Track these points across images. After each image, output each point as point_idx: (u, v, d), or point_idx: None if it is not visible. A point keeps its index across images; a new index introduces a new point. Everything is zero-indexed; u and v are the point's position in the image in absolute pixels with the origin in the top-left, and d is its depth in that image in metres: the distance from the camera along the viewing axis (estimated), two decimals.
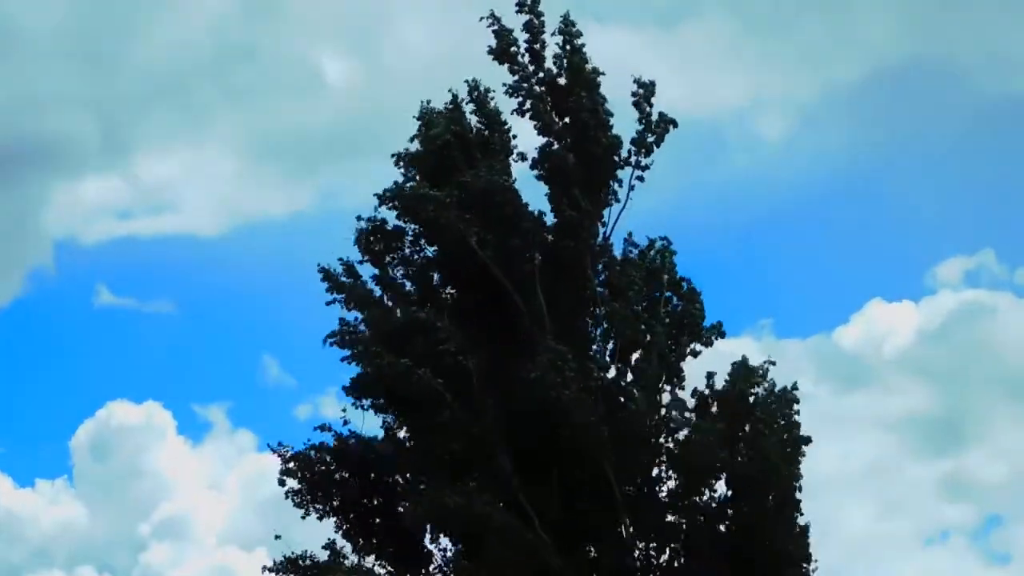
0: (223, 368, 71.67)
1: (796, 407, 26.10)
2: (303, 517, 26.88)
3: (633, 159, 26.94)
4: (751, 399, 26.04)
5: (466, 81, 27.41)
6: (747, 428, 25.98)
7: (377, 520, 26.93)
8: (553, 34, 27.06)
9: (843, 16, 65.01)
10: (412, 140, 27.00)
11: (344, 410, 26.97)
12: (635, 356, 26.51)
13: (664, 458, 26.17)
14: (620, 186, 27.05)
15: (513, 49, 27.00)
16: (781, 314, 65.63)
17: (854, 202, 66.43)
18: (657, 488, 26.26)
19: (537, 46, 27.08)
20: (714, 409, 26.20)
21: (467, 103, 27.39)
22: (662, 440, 26.19)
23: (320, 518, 26.93)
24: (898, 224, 65.68)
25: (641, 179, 27.02)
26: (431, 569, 26.82)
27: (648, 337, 26.33)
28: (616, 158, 26.96)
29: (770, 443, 25.73)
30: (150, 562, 59.51)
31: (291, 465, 26.88)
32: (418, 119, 27.10)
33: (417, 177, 26.83)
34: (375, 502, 26.96)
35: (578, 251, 26.50)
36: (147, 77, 66.59)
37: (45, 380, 69.70)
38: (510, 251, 26.26)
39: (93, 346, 69.36)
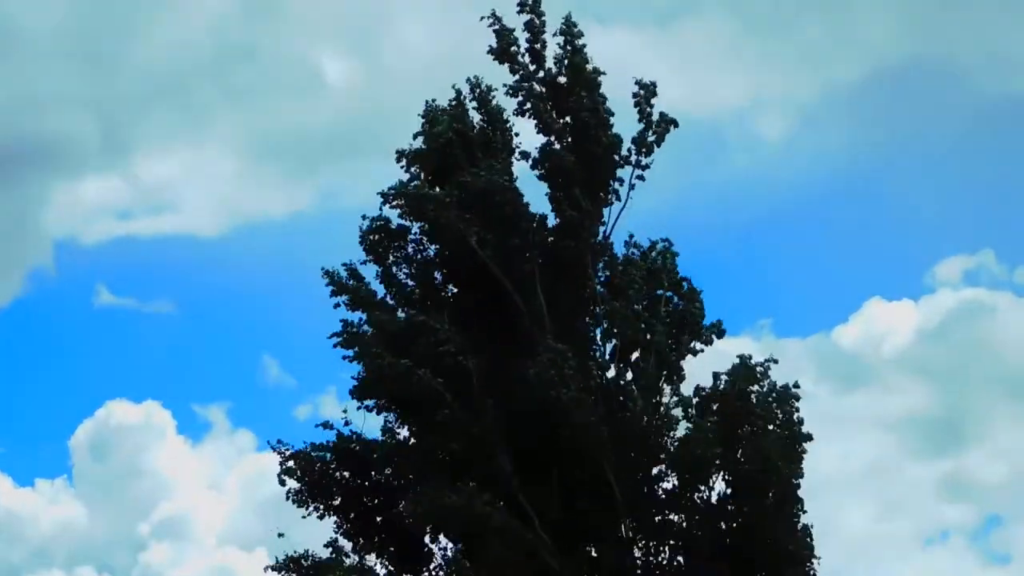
0: (223, 368, 71.82)
1: (796, 404, 26.08)
2: (304, 516, 26.91)
3: (633, 158, 26.97)
4: (752, 397, 25.99)
5: (468, 79, 27.44)
6: (746, 426, 25.92)
7: (378, 519, 26.92)
8: (554, 35, 27.11)
9: (843, 16, 65.17)
10: (415, 137, 27.01)
11: (345, 411, 27.05)
12: (635, 355, 26.51)
13: (663, 457, 26.13)
14: (620, 185, 27.10)
15: (513, 49, 27.01)
16: (781, 313, 65.79)
17: (854, 202, 66.57)
18: (657, 487, 26.24)
19: (538, 46, 27.09)
20: (714, 407, 26.15)
21: (470, 100, 27.39)
22: (662, 439, 26.13)
23: (320, 517, 26.94)
24: (898, 223, 65.82)
25: (642, 178, 27.07)
26: (432, 568, 26.83)
27: (648, 336, 26.32)
28: (616, 157, 26.97)
29: (769, 441, 25.71)
30: (150, 562, 59.57)
31: (291, 464, 26.86)
32: (422, 116, 27.10)
33: (421, 175, 26.83)
34: (375, 501, 26.95)
35: (578, 250, 26.50)
36: (147, 77, 66.72)
37: (45, 380, 69.83)
38: (510, 251, 26.26)
39: (93, 346, 69.50)
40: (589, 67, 26.98)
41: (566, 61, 27.03)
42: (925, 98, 63.26)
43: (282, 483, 26.81)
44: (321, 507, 26.85)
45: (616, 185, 27.03)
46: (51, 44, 65.18)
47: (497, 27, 27.08)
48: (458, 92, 27.34)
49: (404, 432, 26.88)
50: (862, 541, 56.92)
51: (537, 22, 27.11)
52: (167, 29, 66.02)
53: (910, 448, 64.05)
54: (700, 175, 57.44)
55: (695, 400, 26.20)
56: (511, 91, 27.02)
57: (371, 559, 26.84)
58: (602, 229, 27.02)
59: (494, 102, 27.37)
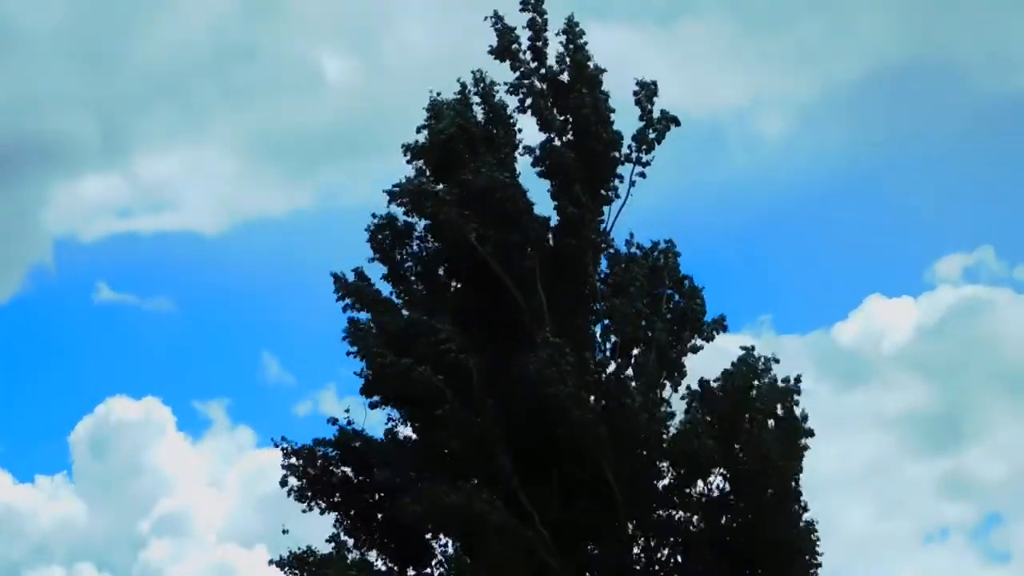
0: (223, 365, 71.91)
1: (797, 399, 26.07)
2: (304, 512, 26.87)
3: (634, 156, 27.00)
4: (752, 392, 25.96)
5: (473, 72, 27.45)
6: (746, 421, 25.89)
7: (379, 516, 26.91)
8: (557, 34, 27.15)
9: (843, 15, 65.17)
10: (419, 131, 26.99)
11: (347, 411, 27.05)
12: (635, 352, 26.50)
13: (663, 453, 26.12)
14: (621, 183, 27.15)
15: (515, 47, 27.04)
16: (780, 310, 65.85)
17: (854, 199, 66.59)
18: (656, 484, 26.22)
19: (540, 44, 27.12)
20: (714, 401, 26.11)
21: (474, 94, 27.38)
22: (661, 436, 26.11)
23: (322, 513, 26.93)
24: (897, 221, 65.85)
25: (643, 175, 27.10)
26: (432, 565, 26.82)
27: (649, 333, 26.31)
28: (617, 154, 27.00)
29: (769, 435, 25.69)
30: (149, 559, 59.56)
31: (293, 460, 26.83)
32: (426, 109, 27.09)
33: (425, 170, 26.82)
34: (376, 498, 26.94)
35: (579, 247, 26.51)
36: (147, 76, 66.73)
37: (45, 376, 69.87)
38: (510, 247, 26.27)
39: (93, 343, 69.49)
40: (590, 65, 27.00)
41: (567, 59, 27.06)
42: (925, 97, 63.36)
43: (283, 483, 26.79)
44: (323, 503, 26.86)
45: (616, 182, 27.10)
46: (51, 44, 65.27)
47: (499, 26, 27.12)
48: (463, 86, 27.34)
49: (408, 431, 26.89)
50: (862, 539, 56.94)
51: (539, 20, 27.15)
52: (167, 29, 66.11)
53: (910, 446, 64.11)
54: (700, 174, 57.46)
55: (696, 393, 26.18)
56: (512, 88, 27.07)
57: (372, 555, 26.89)
58: (603, 226, 27.04)
59: (497, 97, 27.36)
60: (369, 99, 64.34)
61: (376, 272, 27.22)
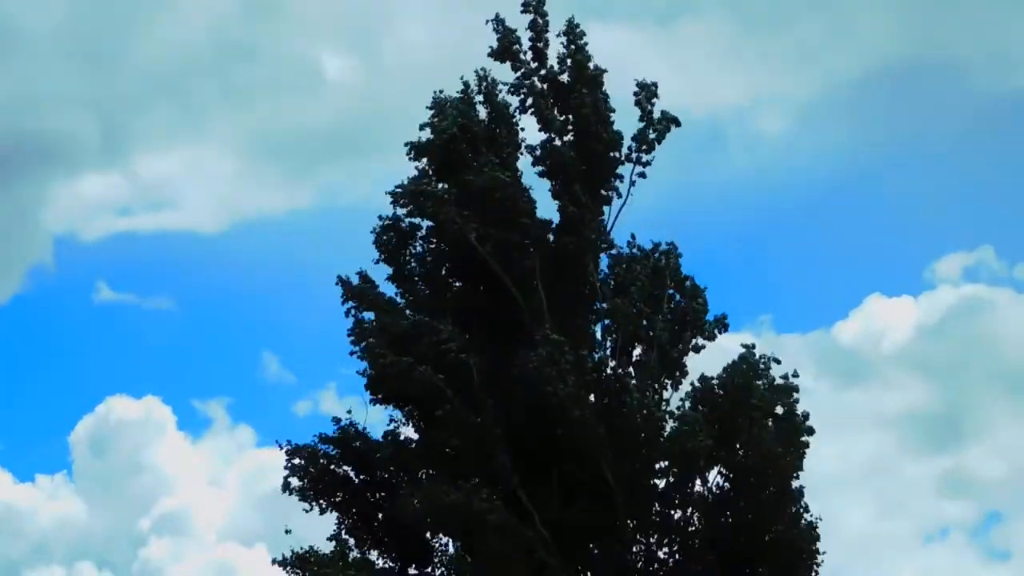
0: (223, 364, 71.93)
1: (796, 396, 26.07)
2: (306, 511, 26.89)
3: (634, 156, 27.06)
4: (751, 390, 25.96)
5: (476, 71, 27.46)
6: (746, 419, 25.89)
7: (380, 515, 26.93)
8: (558, 35, 27.20)
9: (843, 15, 65.21)
10: (423, 128, 27.01)
11: (349, 411, 27.08)
12: (636, 352, 26.53)
13: (662, 452, 26.12)
14: (621, 182, 27.21)
15: (516, 48, 27.09)
16: (781, 310, 65.87)
17: (854, 199, 66.65)
18: (655, 483, 26.24)
19: (540, 45, 27.18)
20: (712, 399, 26.12)
21: (476, 93, 27.41)
22: (660, 435, 26.12)
23: (323, 513, 26.95)
24: (897, 220, 65.86)
25: (643, 175, 27.16)
26: (434, 564, 26.83)
27: (651, 333, 26.33)
28: (617, 154, 27.05)
29: (769, 435, 25.70)
30: (149, 557, 59.55)
31: (297, 461, 26.82)
32: (430, 107, 27.11)
33: (429, 170, 26.84)
34: (377, 497, 26.96)
35: (579, 247, 26.54)
36: (147, 76, 66.77)
37: (45, 376, 69.93)
38: (510, 247, 26.29)
39: (93, 342, 69.56)
40: (591, 66, 27.05)
41: (568, 60, 27.11)
42: (925, 96, 63.39)
43: (286, 486, 26.79)
44: (324, 503, 26.88)
45: (617, 182, 27.14)
46: (51, 44, 65.30)
47: (500, 29, 27.17)
48: (465, 84, 27.37)
49: (410, 430, 26.93)
50: (862, 538, 56.95)
51: (541, 22, 27.21)
52: (167, 28, 66.14)
53: (910, 445, 64.14)
54: (700, 173, 57.50)
55: (697, 390, 26.20)
56: (513, 89, 27.11)
57: (374, 555, 26.91)
58: (603, 226, 27.06)
59: (500, 97, 27.38)
60: (369, 99, 64.44)
61: (382, 272, 27.35)
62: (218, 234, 67.47)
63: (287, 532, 26.47)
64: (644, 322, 26.33)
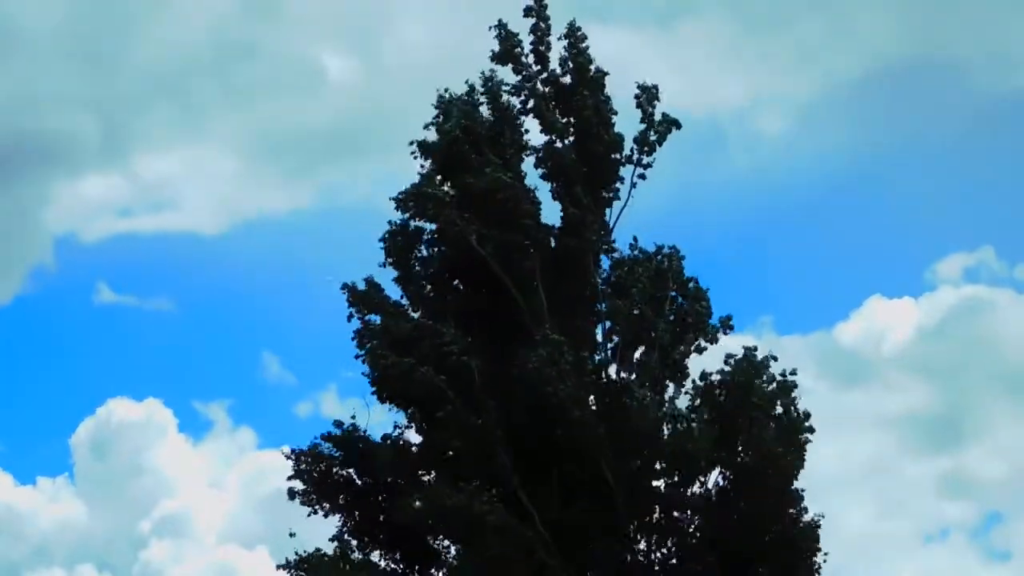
0: (223, 366, 71.84)
1: (794, 394, 26.10)
2: (309, 515, 26.91)
3: (635, 157, 27.14)
4: (752, 389, 25.99)
5: (482, 72, 27.49)
6: (747, 419, 25.91)
7: (382, 517, 26.96)
8: (559, 38, 27.27)
9: (843, 15, 65.15)
10: (427, 127, 27.08)
11: (353, 416, 27.10)
12: (637, 353, 26.56)
13: (662, 453, 26.16)
14: (622, 184, 27.27)
15: (517, 51, 27.17)
16: (782, 311, 65.76)
17: (854, 199, 66.57)
18: (655, 483, 26.27)
19: (542, 48, 27.26)
20: (713, 400, 26.15)
21: (481, 94, 27.46)
22: (660, 436, 26.16)
23: (326, 516, 26.98)
24: (898, 221, 65.81)
25: (643, 177, 27.27)
26: (436, 566, 26.86)
27: (652, 334, 26.36)
28: (618, 156, 27.14)
29: (768, 433, 25.73)
30: (150, 560, 59.51)
31: (301, 466, 26.85)
32: (435, 106, 27.16)
33: (433, 170, 26.88)
34: (380, 499, 26.99)
35: (580, 249, 26.60)
36: (147, 76, 66.72)
37: (46, 377, 69.87)
38: (511, 248, 26.35)
39: (93, 343, 69.45)
40: (592, 68, 27.13)
41: (570, 63, 27.19)
42: (925, 96, 63.34)
43: (292, 494, 26.84)
44: (327, 506, 26.91)
45: (618, 184, 27.21)
46: (51, 44, 65.23)
47: (502, 33, 27.25)
48: (470, 87, 27.41)
49: (412, 433, 26.98)
50: (862, 539, 56.87)
51: (543, 26, 27.29)
52: (167, 28, 66.08)
53: (910, 445, 64.13)
54: (701, 174, 57.40)
55: (698, 389, 26.23)
56: (514, 91, 27.19)
57: (376, 556, 26.94)
58: (605, 227, 27.11)
59: (504, 99, 27.42)
60: (369, 99, 64.42)
61: (386, 275, 27.39)
62: (218, 235, 67.50)
63: (291, 535, 26.60)
64: (645, 324, 26.35)
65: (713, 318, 27.07)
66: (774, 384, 26.10)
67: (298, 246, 64.66)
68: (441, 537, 26.68)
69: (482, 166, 26.37)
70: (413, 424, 26.74)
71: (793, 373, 26.21)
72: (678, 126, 27.25)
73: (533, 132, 27.34)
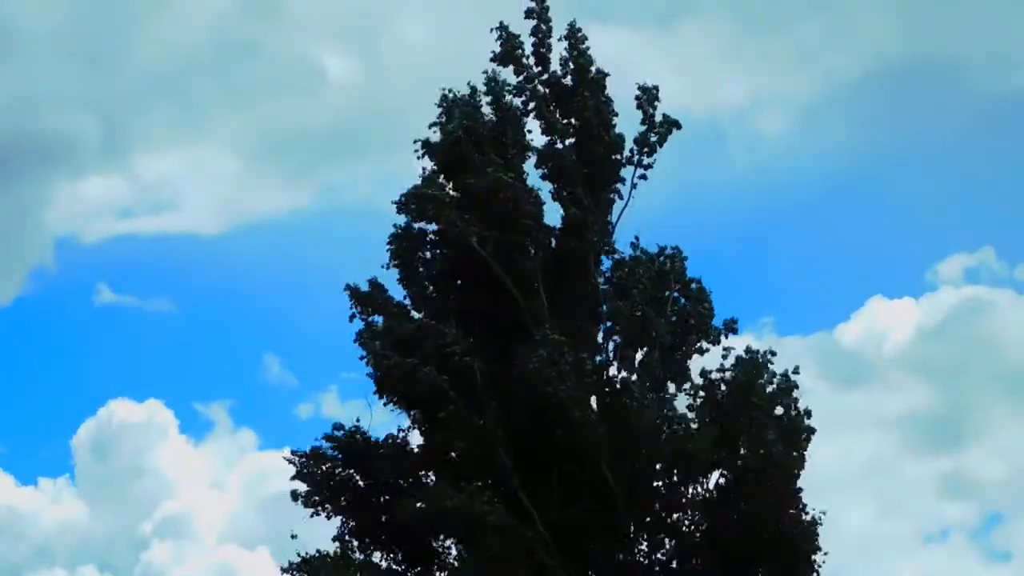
0: (224, 367, 71.89)
1: (795, 394, 26.11)
2: (311, 516, 26.91)
3: (636, 158, 27.16)
4: (753, 389, 25.99)
5: (484, 72, 27.53)
6: (747, 418, 25.91)
7: (384, 518, 26.96)
8: (560, 39, 27.29)
9: (843, 15, 65.23)
10: (431, 127, 27.08)
11: (358, 420, 27.09)
12: (639, 354, 26.56)
13: (662, 453, 26.16)
14: (623, 185, 27.26)
15: (518, 52, 27.20)
16: (782, 312, 65.84)
17: (855, 200, 66.64)
18: (655, 483, 26.27)
19: (543, 49, 27.29)
20: (714, 400, 26.15)
21: (483, 94, 27.48)
22: (661, 437, 26.16)
23: (328, 518, 26.98)
24: (899, 221, 65.88)
25: (644, 177, 27.31)
26: (438, 566, 26.87)
27: (653, 335, 26.36)
28: (619, 157, 27.16)
29: (769, 433, 25.73)
30: (151, 560, 59.58)
31: (305, 471, 26.84)
32: (439, 105, 27.18)
33: (436, 170, 26.89)
34: (382, 501, 26.99)
35: (581, 249, 26.62)
36: (147, 76, 66.80)
37: (47, 378, 69.99)
38: (512, 249, 26.36)
39: (94, 344, 69.55)
40: (593, 69, 27.16)
41: (570, 64, 27.23)
42: (925, 96, 63.39)
43: (295, 496, 26.86)
44: (329, 507, 26.91)
45: (619, 185, 27.22)
46: (51, 44, 65.32)
47: (503, 34, 27.27)
48: (473, 89, 27.43)
49: (416, 433, 26.99)
50: (862, 539, 56.90)
51: (544, 28, 27.32)
52: (167, 28, 66.16)
53: (911, 446, 64.19)
54: (701, 174, 57.46)
55: (695, 387, 26.23)
56: (515, 91, 27.22)
57: (378, 557, 26.95)
58: (606, 228, 27.12)
59: (507, 99, 27.43)
60: (369, 99, 64.50)
61: (391, 276, 27.40)
62: (219, 235, 67.63)
63: (293, 537, 26.61)
64: (646, 325, 26.35)
65: (716, 320, 27.12)
66: (775, 384, 26.11)
67: (298, 246, 64.82)
68: (442, 537, 26.72)
69: (484, 166, 26.39)
70: (415, 425, 26.76)
71: (796, 372, 26.26)
72: (678, 127, 27.30)
73: (535, 133, 27.43)
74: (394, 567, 26.91)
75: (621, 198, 27.29)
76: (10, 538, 62.22)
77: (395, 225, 27.20)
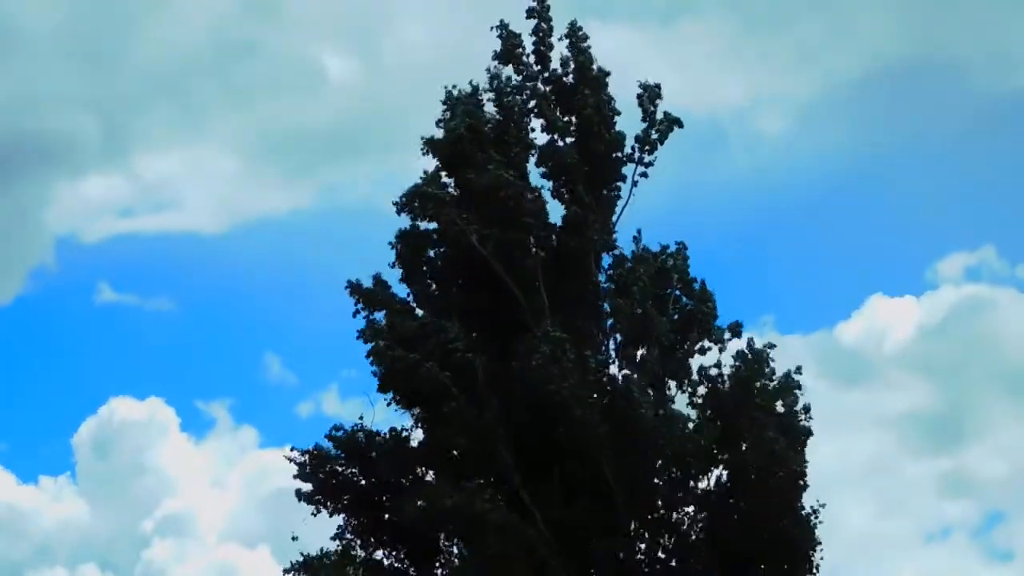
0: (225, 365, 71.94)
1: (797, 393, 26.10)
2: (313, 515, 26.91)
3: (637, 156, 27.17)
4: (755, 388, 25.98)
5: (487, 70, 27.54)
6: (748, 417, 25.92)
7: (385, 516, 26.97)
8: (560, 38, 27.30)
9: (843, 15, 65.24)
10: (437, 124, 27.08)
11: (361, 418, 27.09)
12: (640, 353, 26.55)
13: (663, 452, 26.16)
14: (624, 183, 27.28)
15: (519, 51, 27.21)
16: (783, 310, 65.86)
17: (855, 199, 66.65)
18: (656, 482, 26.27)
19: (544, 48, 27.32)
20: (715, 399, 26.15)
21: (486, 92, 27.48)
22: (662, 435, 26.15)
23: (331, 516, 26.99)
24: (899, 220, 65.85)
25: (645, 176, 27.32)
26: (440, 564, 26.87)
27: (654, 333, 26.35)
28: (620, 155, 27.17)
29: (770, 431, 25.73)
30: (152, 559, 59.56)
31: (308, 469, 26.84)
32: (443, 103, 27.19)
33: (439, 168, 26.89)
34: (384, 499, 27.00)
35: (582, 247, 26.62)
36: (147, 76, 66.81)
37: (48, 377, 70.00)
38: (513, 247, 26.36)
39: (95, 343, 69.56)
40: (594, 68, 27.17)
41: (571, 62, 27.24)
42: (925, 95, 63.38)
43: (299, 496, 26.85)
44: (331, 506, 26.91)
45: (619, 183, 27.23)
46: (51, 44, 65.33)
47: (504, 33, 27.29)
48: (475, 88, 27.43)
49: (419, 431, 26.96)
50: (863, 538, 56.88)
51: (545, 27, 27.34)
52: (167, 28, 66.16)
53: (911, 445, 64.15)
54: (701, 173, 57.51)
55: (694, 385, 26.23)
56: (516, 90, 27.21)
57: (379, 555, 26.96)
58: (607, 226, 27.12)
59: (509, 97, 27.43)
60: (369, 99, 64.51)
61: (394, 274, 27.40)
62: (219, 235, 67.62)
63: (294, 539, 26.64)
64: (647, 323, 26.33)
65: (720, 320, 27.13)
66: (775, 382, 26.11)
67: (298, 246, 64.83)
68: (444, 536, 26.71)
69: (486, 164, 26.39)
70: (417, 423, 26.76)
71: (798, 371, 26.26)
72: (680, 125, 27.30)
73: (536, 131, 27.42)
74: (396, 565, 26.94)
75: (621, 197, 27.34)
76: (11, 536, 62.27)
77: (400, 228, 27.16)
